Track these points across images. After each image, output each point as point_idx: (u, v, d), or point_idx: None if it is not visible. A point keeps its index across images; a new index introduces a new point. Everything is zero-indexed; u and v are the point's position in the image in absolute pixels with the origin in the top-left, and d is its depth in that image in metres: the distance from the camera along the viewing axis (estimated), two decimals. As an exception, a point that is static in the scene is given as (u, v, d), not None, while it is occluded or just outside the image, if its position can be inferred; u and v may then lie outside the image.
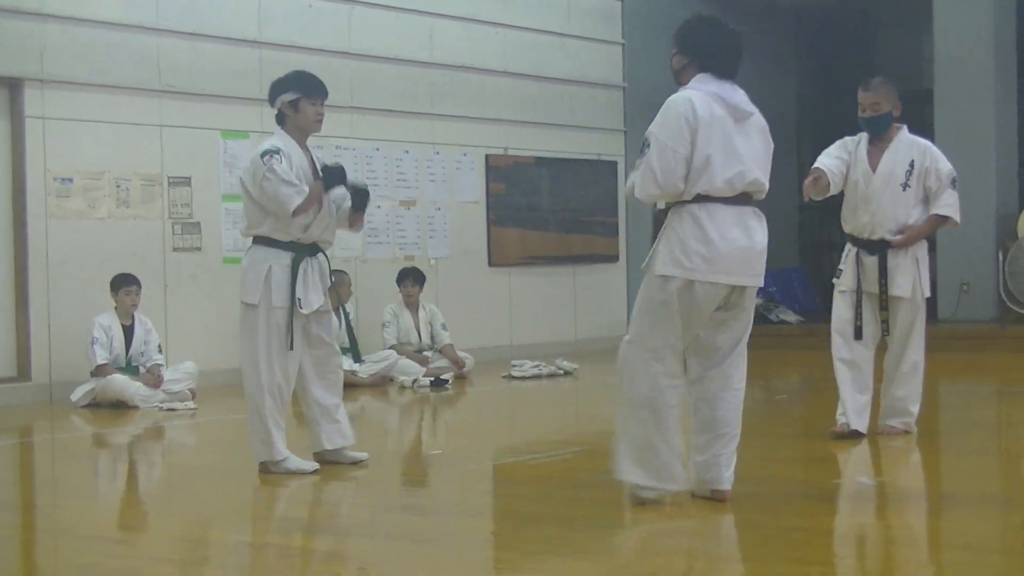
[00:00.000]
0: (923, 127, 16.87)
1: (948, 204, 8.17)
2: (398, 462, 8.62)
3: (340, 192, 7.73)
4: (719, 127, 6.17)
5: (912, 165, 8.20)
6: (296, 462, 7.58)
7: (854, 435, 8.18)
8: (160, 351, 11.67)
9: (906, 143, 8.31)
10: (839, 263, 8.53)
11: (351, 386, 12.21)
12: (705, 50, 6.43)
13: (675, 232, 6.17)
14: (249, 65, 13.08)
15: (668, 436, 6.29)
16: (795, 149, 19.84)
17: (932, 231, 8.37)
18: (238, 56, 13.01)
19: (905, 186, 8.15)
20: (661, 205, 6.34)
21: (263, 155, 7.42)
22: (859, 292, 8.24)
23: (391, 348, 12.92)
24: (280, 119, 7.66)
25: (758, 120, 6.42)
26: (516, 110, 15.55)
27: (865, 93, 8.46)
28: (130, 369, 11.48)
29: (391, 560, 5.64)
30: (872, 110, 8.38)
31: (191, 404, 11.20)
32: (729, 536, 6.03)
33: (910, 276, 8.20)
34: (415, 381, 12.32)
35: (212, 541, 6.17)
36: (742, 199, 6.23)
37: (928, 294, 8.34)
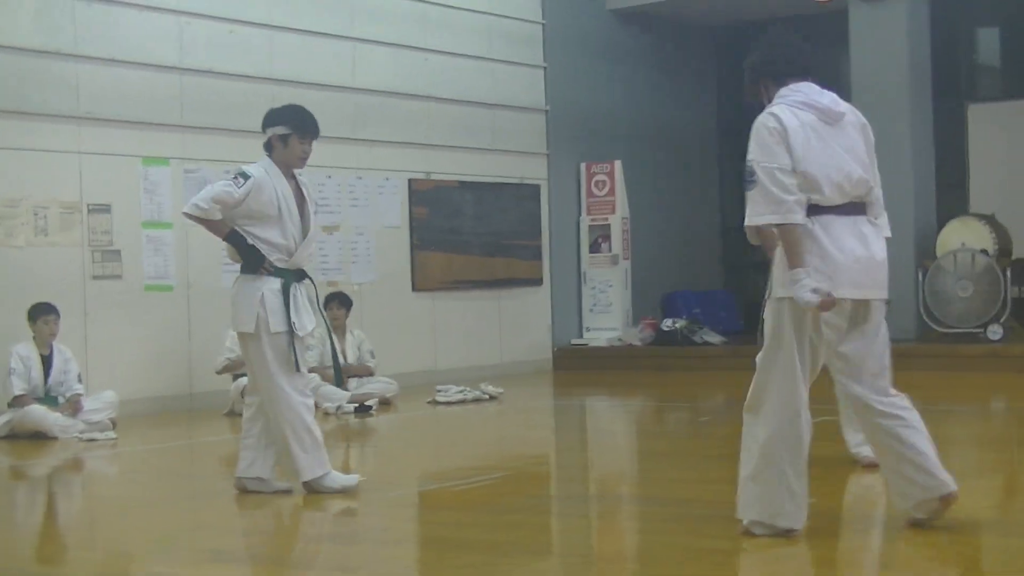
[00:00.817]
0: (842, 148, 17.10)
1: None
2: (324, 494, 8.56)
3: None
4: (811, 132, 5.97)
5: None
6: (339, 477, 7.73)
7: None
8: (80, 380, 11.53)
9: None
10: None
11: (275, 413, 12.15)
12: (772, 64, 6.29)
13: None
14: (170, 91, 13.00)
15: (799, 472, 6.02)
16: (716, 170, 19.97)
17: None
18: (159, 82, 12.92)
19: None
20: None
21: (237, 174, 7.60)
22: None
23: (311, 371, 12.83)
24: (268, 148, 7.73)
25: (853, 118, 6.19)
26: (439, 134, 15.55)
27: None
28: (49, 399, 11.33)
29: (315, 590, 5.60)
30: None
31: (111, 434, 11.06)
32: (653, 557, 6.04)
33: None
34: (339, 407, 12.26)
35: (133, 574, 6.10)
36: (854, 208, 6.01)
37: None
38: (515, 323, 16.35)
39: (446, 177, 15.62)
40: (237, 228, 7.58)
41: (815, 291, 5.81)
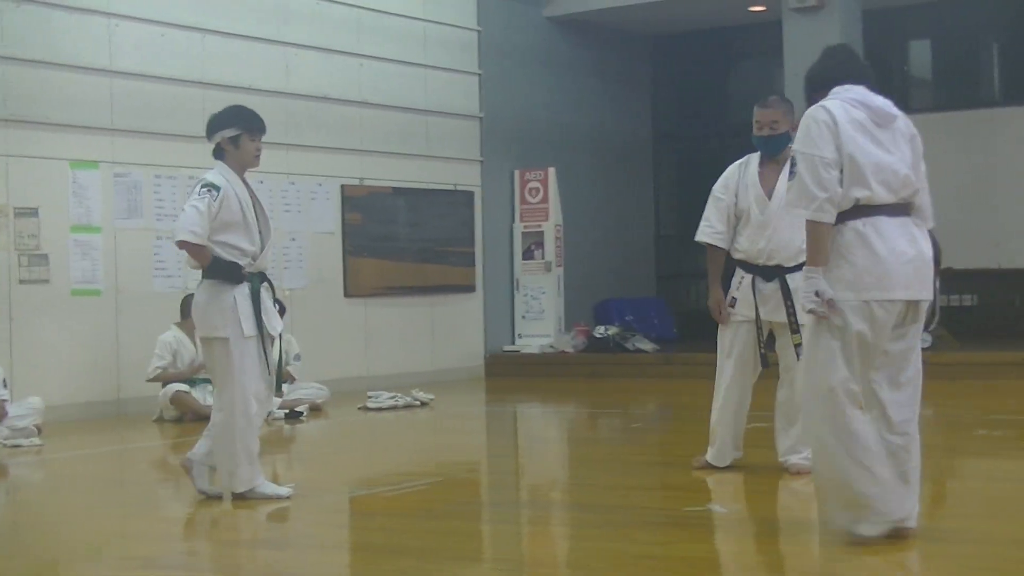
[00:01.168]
0: (774, 157, 17.20)
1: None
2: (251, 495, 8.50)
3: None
4: (860, 128, 5.94)
5: None
6: (272, 486, 7.69)
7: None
8: (5, 386, 11.37)
9: None
10: (731, 290, 8.35)
11: (205, 418, 12.05)
12: (828, 72, 6.27)
13: (840, 253, 5.89)
14: (100, 94, 12.87)
15: (872, 470, 5.89)
16: (650, 178, 20.04)
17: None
18: (88, 84, 12.79)
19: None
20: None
21: (204, 186, 7.51)
22: (758, 320, 8.09)
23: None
24: (219, 154, 7.70)
25: (903, 125, 6.16)
26: (373, 140, 15.50)
27: (763, 111, 8.10)
28: (-25, 405, 11.17)
29: (242, 596, 5.55)
30: (770, 128, 8.05)
31: (37, 440, 10.92)
32: (584, 563, 6.03)
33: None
34: (269, 413, 12.18)
35: (58, 580, 6.02)
36: (902, 208, 6.02)
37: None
38: (448, 330, 16.32)
39: (380, 183, 15.57)
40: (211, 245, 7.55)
41: (818, 295, 5.80)
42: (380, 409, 12.89)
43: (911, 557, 6.10)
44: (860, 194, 5.89)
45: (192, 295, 12.57)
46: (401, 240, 15.79)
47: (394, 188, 15.75)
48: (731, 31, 19.12)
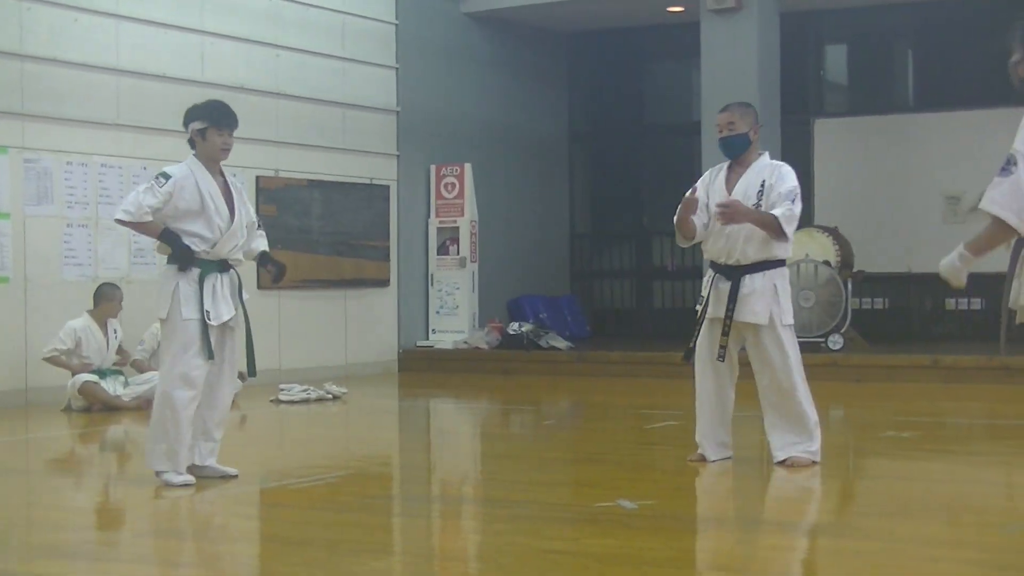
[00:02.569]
0: (691, 157, 17.31)
1: (782, 213, 7.93)
2: (159, 486, 8.42)
3: (257, 242, 8.18)
4: None
5: (763, 185, 8.06)
6: (175, 477, 7.72)
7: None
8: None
9: (763, 167, 8.17)
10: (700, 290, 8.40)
11: (114, 409, 11.95)
12: None
13: None
14: (10, 78, 12.69)
15: None
16: (567, 174, 20.08)
17: (761, 224, 7.94)
18: None
19: (757, 206, 7.98)
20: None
21: (158, 175, 7.79)
22: (703, 316, 8.11)
23: (136, 363, 12.67)
24: (191, 144, 7.95)
25: None
26: (289, 132, 15.41)
27: (721, 114, 8.31)
28: None
29: (148, 586, 5.50)
30: (728, 130, 8.20)
31: (-57, 427, 10.78)
32: (490, 558, 6.03)
33: (765, 302, 7.99)
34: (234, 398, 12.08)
35: (-40, 568, 5.93)
36: None
37: (790, 321, 8.07)
38: (361, 324, 16.26)
39: (295, 175, 15.49)
40: (168, 226, 7.72)
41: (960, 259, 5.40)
42: (292, 402, 12.83)
43: (817, 553, 6.16)
44: None
45: (106, 284, 12.56)
46: (315, 233, 15.72)
47: (309, 180, 15.67)
48: (649, 30, 19.20)
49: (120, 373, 12.36)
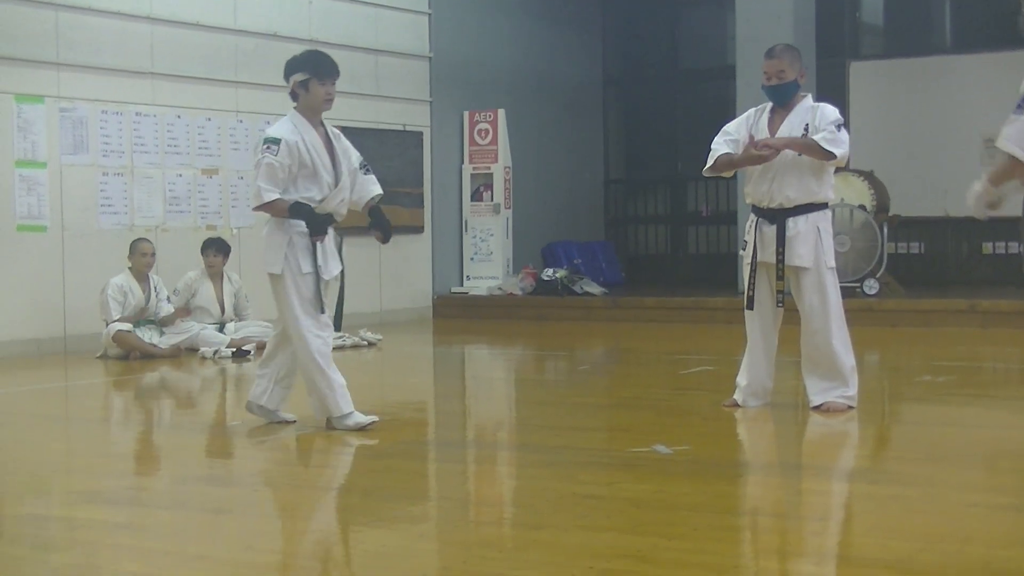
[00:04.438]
0: (726, 101, 17.22)
1: (823, 137, 7.89)
2: (197, 433, 8.48)
3: (367, 187, 8.05)
4: None
5: (806, 129, 7.98)
6: (359, 417, 7.77)
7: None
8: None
9: (805, 109, 8.09)
10: (743, 234, 8.37)
11: (150, 357, 12.01)
12: None
13: None
14: (45, 28, 12.71)
15: None
16: (601, 119, 20.02)
17: (803, 148, 7.93)
18: (33, 18, 12.63)
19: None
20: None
21: (264, 141, 7.66)
22: (754, 262, 8.09)
23: (165, 314, 12.65)
24: (293, 96, 7.80)
25: None
26: (322, 79, 15.37)
27: (770, 61, 8.11)
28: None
29: (188, 531, 5.54)
30: (777, 78, 8.05)
31: (-18, 376, 10.86)
32: (526, 503, 6.05)
33: (811, 245, 7.99)
34: (216, 352, 12.15)
35: (5, 516, 5.99)
36: None
37: (833, 264, 8.09)
38: (396, 271, 16.29)
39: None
40: (288, 197, 7.65)
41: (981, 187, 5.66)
42: (327, 349, 12.85)
43: (853, 498, 6.16)
44: None
45: (137, 239, 12.59)
46: (350, 180, 15.69)
47: (342, 128, 15.53)
48: (683, -25, 19.08)
49: (152, 323, 12.41)
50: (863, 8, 18.97)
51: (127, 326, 12.10)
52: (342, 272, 8.14)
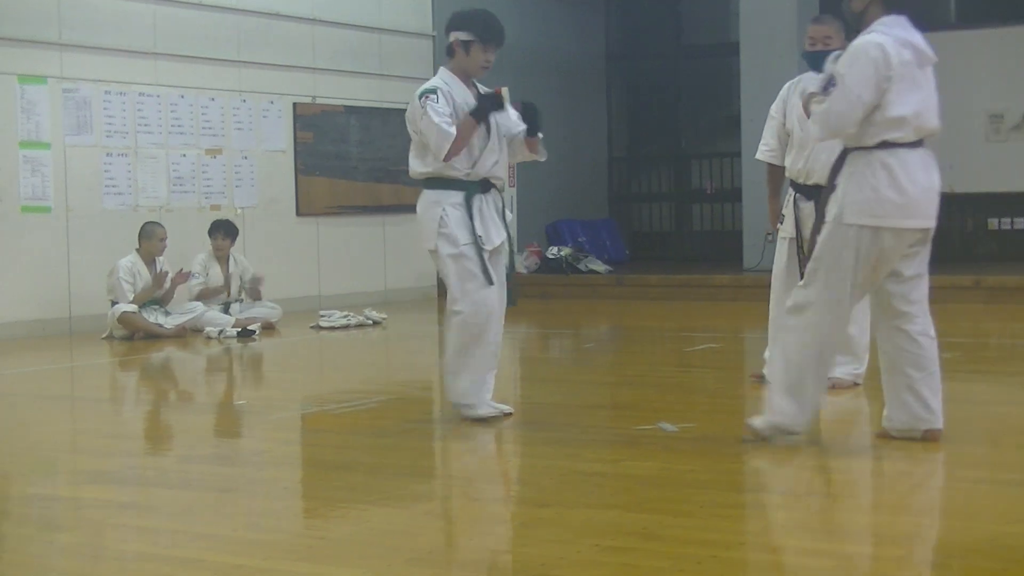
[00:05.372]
0: (730, 78, 17.21)
1: None
2: (203, 412, 8.49)
3: (510, 122, 7.49)
4: (908, 73, 6.14)
5: None
6: (484, 409, 7.30)
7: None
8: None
9: None
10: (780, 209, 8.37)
11: (156, 337, 12.02)
12: None
13: (865, 180, 6.12)
14: (47, 8, 12.69)
15: (818, 384, 6.35)
16: (604, 96, 19.98)
17: None
18: (36, -2, 12.62)
19: None
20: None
21: (420, 95, 7.21)
22: (799, 238, 8.00)
23: (196, 297, 12.70)
24: (448, 52, 7.38)
25: (933, 61, 6.36)
26: (325, 58, 15.37)
27: (817, 27, 8.07)
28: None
29: (194, 510, 5.56)
30: (823, 44, 7.93)
31: (-12, 356, 10.87)
32: (531, 480, 6.06)
33: None
34: (221, 332, 12.15)
35: (11, 496, 6.00)
36: (921, 142, 6.27)
37: None
38: (400, 249, 16.27)
39: (332, 101, 15.46)
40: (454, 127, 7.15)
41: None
42: (332, 328, 12.88)
43: (859, 474, 6.16)
44: (894, 135, 6.14)
45: (148, 223, 12.58)
46: (353, 159, 15.71)
47: (346, 107, 15.64)
48: (686, -48, 19.04)
49: (157, 303, 12.40)
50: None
51: (132, 307, 12.10)
52: (510, 242, 7.59)
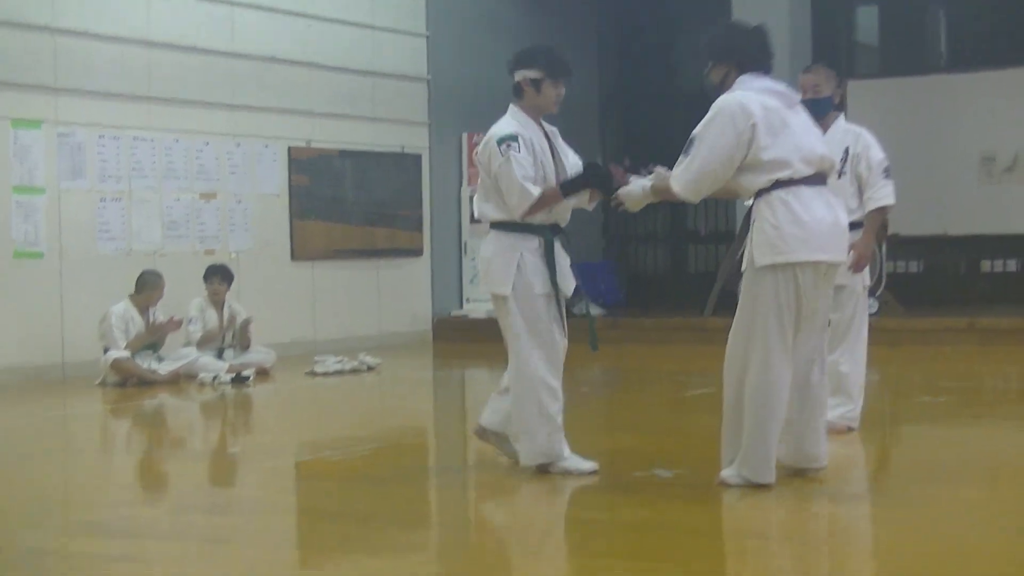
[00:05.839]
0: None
1: (885, 195, 8.21)
2: (196, 460, 8.46)
3: (571, 163, 7.23)
4: (776, 117, 6.38)
5: (847, 152, 8.11)
6: (576, 462, 6.99)
7: None
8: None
9: (842, 130, 8.21)
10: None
11: (149, 383, 11.98)
12: (744, 54, 6.63)
13: (766, 220, 6.33)
14: (43, 52, 12.71)
15: (776, 429, 6.40)
16: (598, 135, 20.00)
17: (877, 228, 8.27)
18: (29, 43, 12.61)
19: (840, 173, 7.95)
20: (748, 202, 6.53)
21: (500, 142, 7.01)
22: None
23: (195, 345, 12.63)
24: (517, 92, 7.25)
25: (801, 107, 6.65)
26: (319, 102, 15.39)
27: (806, 75, 8.25)
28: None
29: (187, 562, 5.53)
30: (813, 92, 8.08)
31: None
32: (526, 528, 6.03)
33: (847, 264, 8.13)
34: (215, 377, 12.12)
35: (2, 548, 5.96)
36: (820, 179, 6.45)
37: (869, 283, 8.27)
38: (395, 293, 16.26)
39: (327, 145, 15.47)
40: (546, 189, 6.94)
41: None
42: (327, 373, 12.84)
43: (855, 519, 6.14)
44: (785, 174, 6.35)
45: (149, 272, 12.53)
46: (348, 203, 15.71)
47: (341, 150, 15.65)
48: (679, -7, 19.11)
49: (152, 349, 12.37)
50: (859, 28, 19.00)
51: (125, 353, 12.06)
52: (579, 287, 7.38)
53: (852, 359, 8.12)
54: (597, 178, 7.10)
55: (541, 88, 7.19)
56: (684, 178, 6.45)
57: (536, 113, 7.21)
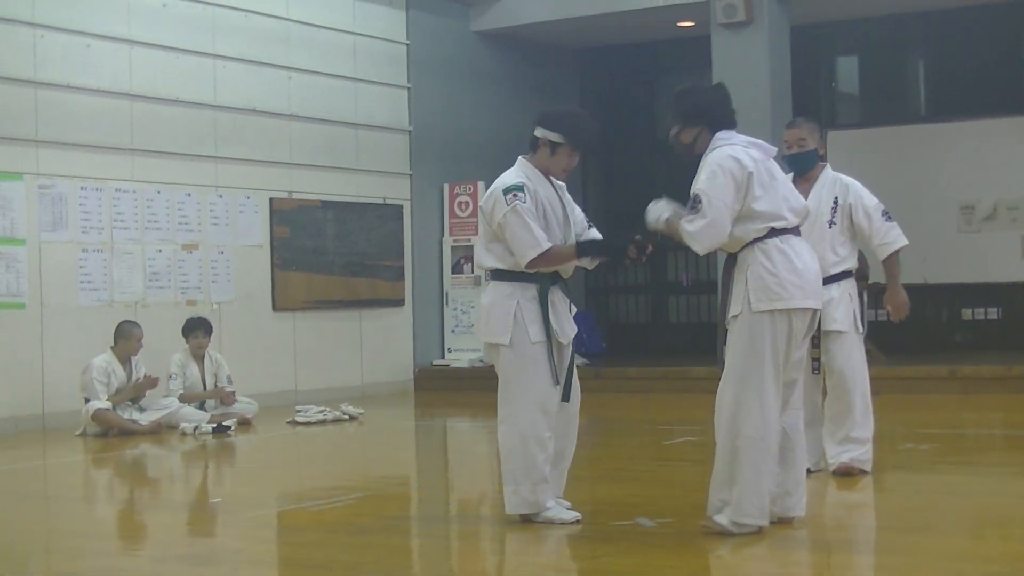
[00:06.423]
0: (703, 172, 17.25)
1: (895, 237, 8.34)
2: (178, 510, 8.42)
3: (577, 218, 7.29)
4: (763, 169, 6.57)
5: (836, 202, 8.26)
6: (559, 511, 6.96)
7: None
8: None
9: (830, 181, 8.35)
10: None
11: (130, 433, 11.94)
12: (715, 113, 6.76)
13: (764, 268, 6.47)
14: (24, 105, 12.73)
15: (770, 474, 6.50)
16: (580, 190, 20.05)
17: (898, 272, 8.49)
18: (11, 95, 12.64)
19: (831, 223, 8.17)
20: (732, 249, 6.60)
21: (507, 191, 6.98)
22: None
23: (177, 398, 12.57)
24: (532, 146, 7.18)
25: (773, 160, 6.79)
26: (301, 153, 15.43)
27: (791, 130, 8.36)
28: None
29: (167, 612, 5.49)
30: (798, 147, 8.28)
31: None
32: (513, 579, 6.02)
33: (847, 309, 8.21)
34: (196, 428, 12.08)
35: (-21, 597, 5.93)
36: (799, 229, 6.65)
37: (864, 329, 8.37)
38: (377, 344, 16.25)
39: (308, 196, 15.49)
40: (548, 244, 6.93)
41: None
42: (309, 423, 12.81)
43: (839, 569, 6.13)
44: (779, 223, 6.51)
45: (125, 322, 12.51)
46: (330, 254, 15.72)
47: (323, 201, 15.67)
48: (659, 45, 19.22)
49: (132, 401, 12.34)
50: (839, 78, 19.14)
51: (107, 404, 12.02)
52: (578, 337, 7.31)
53: (867, 405, 8.32)
54: (614, 251, 7.17)
55: (557, 152, 7.13)
56: (700, 234, 6.50)
57: (544, 171, 7.18)
